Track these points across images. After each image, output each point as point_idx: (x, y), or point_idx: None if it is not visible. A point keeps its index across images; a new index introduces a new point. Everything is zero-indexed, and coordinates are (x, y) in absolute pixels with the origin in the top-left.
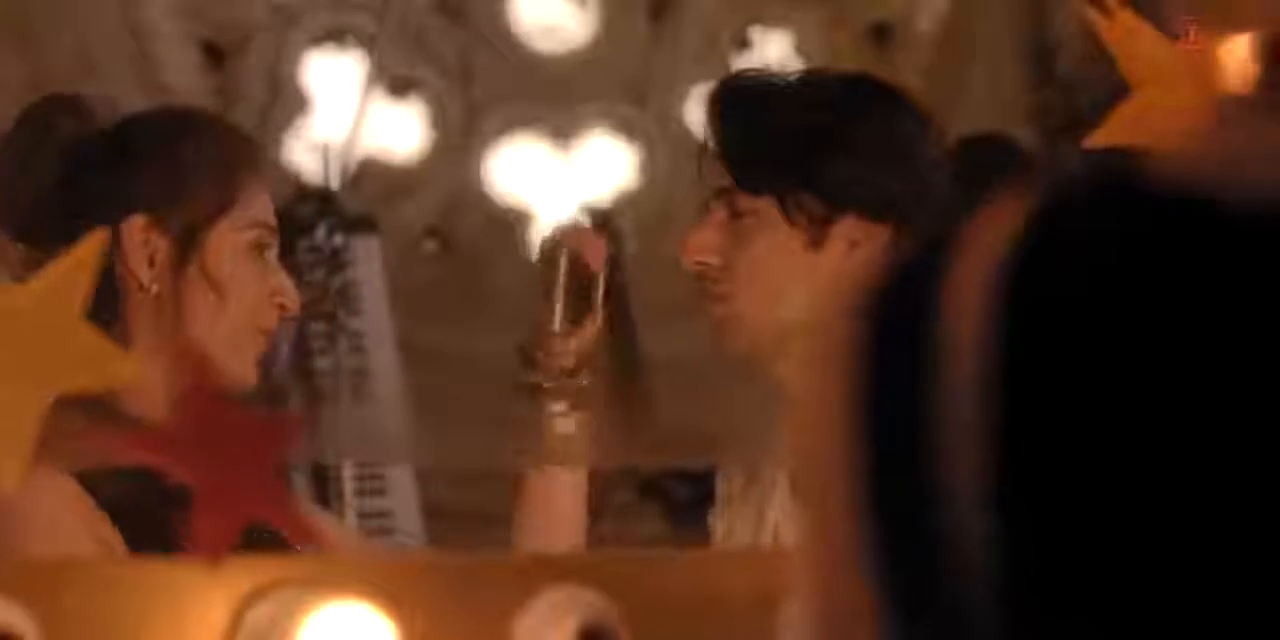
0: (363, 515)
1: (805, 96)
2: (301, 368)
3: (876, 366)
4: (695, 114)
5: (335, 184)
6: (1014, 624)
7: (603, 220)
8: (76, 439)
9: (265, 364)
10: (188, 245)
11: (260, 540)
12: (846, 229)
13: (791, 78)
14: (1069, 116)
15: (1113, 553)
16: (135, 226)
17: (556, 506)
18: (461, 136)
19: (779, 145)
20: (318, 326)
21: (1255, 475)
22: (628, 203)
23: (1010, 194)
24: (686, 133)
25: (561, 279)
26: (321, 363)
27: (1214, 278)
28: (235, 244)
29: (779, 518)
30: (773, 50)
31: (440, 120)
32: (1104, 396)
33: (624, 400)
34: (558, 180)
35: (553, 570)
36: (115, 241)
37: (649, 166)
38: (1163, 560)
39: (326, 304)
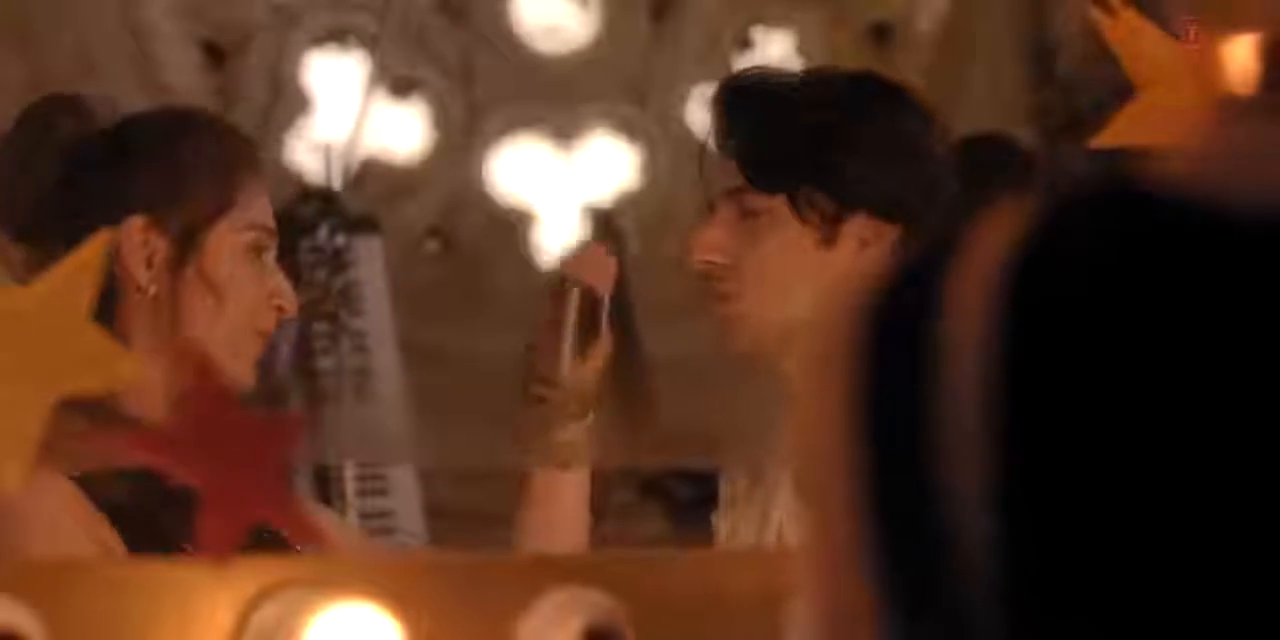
0: (364, 515)
1: (813, 95)
2: (304, 368)
3: (878, 366)
4: (697, 114)
5: (337, 184)
6: (1015, 624)
7: (605, 222)
8: (77, 440)
9: (264, 365)
10: (186, 246)
11: (265, 541)
12: (857, 227)
13: (796, 77)
14: (1069, 116)
15: (1113, 553)
16: (134, 227)
17: (560, 507)
18: (463, 136)
19: (791, 144)
20: (320, 326)
21: (1255, 476)
22: (629, 203)
23: (1013, 196)
24: (688, 133)
25: (572, 317)
26: (324, 363)
27: (1215, 280)
28: (234, 245)
29: (783, 518)
30: (774, 50)
31: (442, 120)
32: (1105, 397)
33: (626, 400)
34: (559, 180)
35: (558, 570)
36: (113, 242)
37: (650, 166)
38: (1163, 561)
39: (328, 304)
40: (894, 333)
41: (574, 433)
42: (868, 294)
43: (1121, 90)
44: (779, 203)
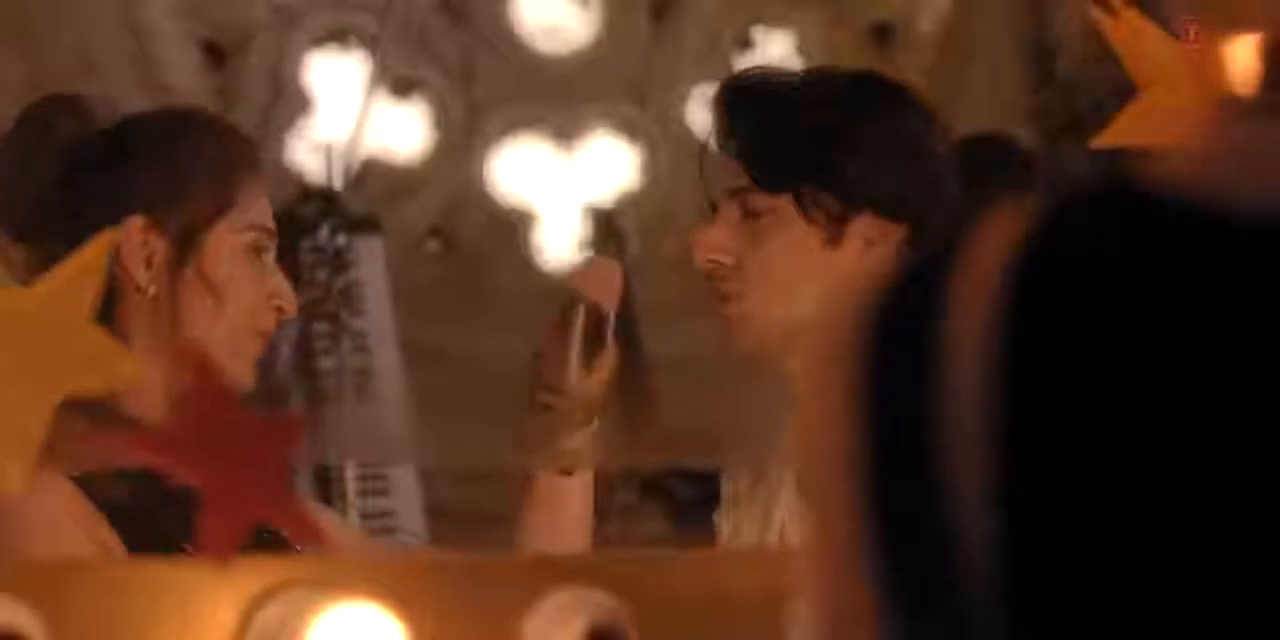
0: (365, 515)
1: (816, 95)
2: (305, 368)
3: (880, 366)
4: (697, 114)
5: (338, 184)
6: (1015, 624)
7: (606, 222)
8: (78, 441)
9: (264, 365)
10: (185, 247)
11: (265, 541)
12: (862, 227)
13: (797, 76)
14: (1069, 116)
15: (1114, 553)
16: (133, 227)
17: (564, 509)
18: (464, 137)
19: (796, 144)
20: (321, 326)
21: (1255, 476)
22: (630, 203)
23: (1014, 196)
24: (688, 133)
25: (579, 333)
26: (325, 363)
27: (1215, 280)
28: (233, 246)
29: (785, 518)
30: (774, 50)
31: (443, 120)
32: (1106, 398)
33: (627, 402)
34: (560, 180)
35: (561, 570)
36: (113, 242)
37: (651, 166)
38: (1163, 561)
39: (329, 304)
40: (896, 333)
41: (579, 440)
42: (870, 294)
43: (1122, 90)
44: (783, 202)
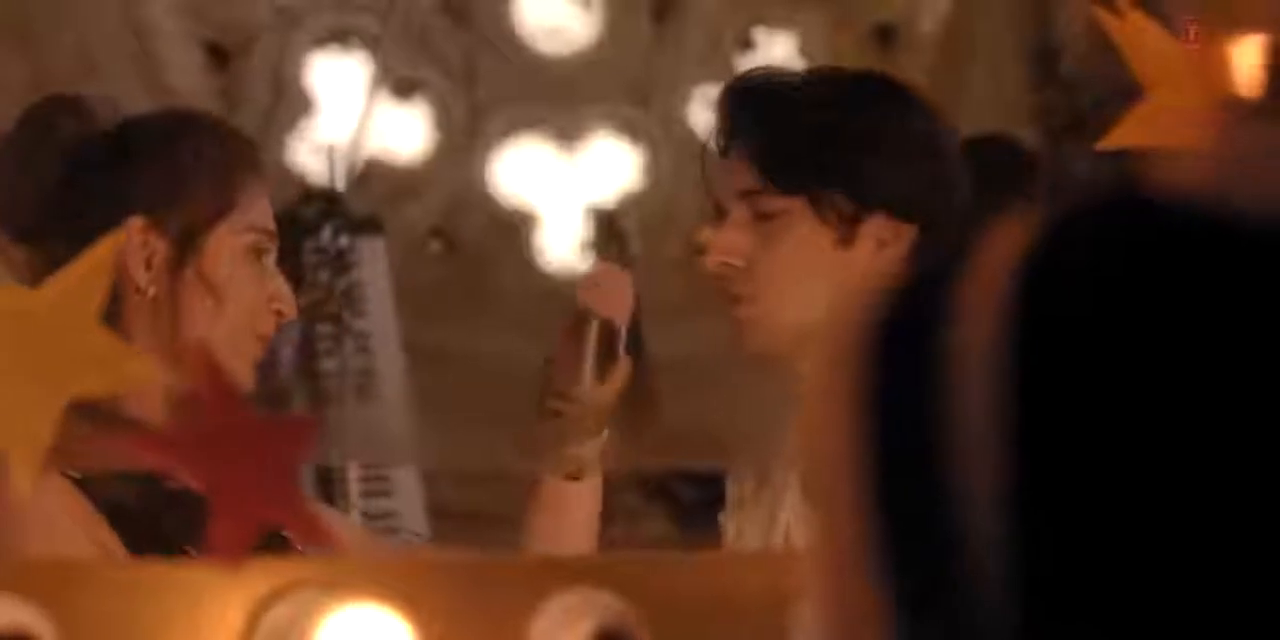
0: (368, 516)
1: (824, 95)
2: (307, 369)
3: (887, 370)
4: (699, 115)
5: (340, 185)
6: (1022, 626)
7: (608, 223)
8: (84, 443)
9: (266, 367)
10: (185, 248)
11: (271, 543)
12: (875, 228)
13: (801, 77)
14: (1071, 117)
15: (1121, 555)
16: (134, 228)
17: (571, 513)
18: (466, 137)
19: (809, 145)
20: (323, 327)
21: (1262, 479)
22: (631, 204)
23: (1015, 195)
24: (690, 134)
25: (592, 348)
26: (327, 364)
27: (1220, 286)
28: (233, 248)
29: (790, 520)
30: (776, 51)
31: (444, 121)
32: (1113, 402)
33: (631, 403)
34: (562, 181)
35: (568, 572)
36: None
37: (652, 167)
38: (1170, 563)
39: (332, 305)
40: (904, 337)
41: (589, 447)
42: (879, 299)
43: (1124, 90)
44: (795, 204)
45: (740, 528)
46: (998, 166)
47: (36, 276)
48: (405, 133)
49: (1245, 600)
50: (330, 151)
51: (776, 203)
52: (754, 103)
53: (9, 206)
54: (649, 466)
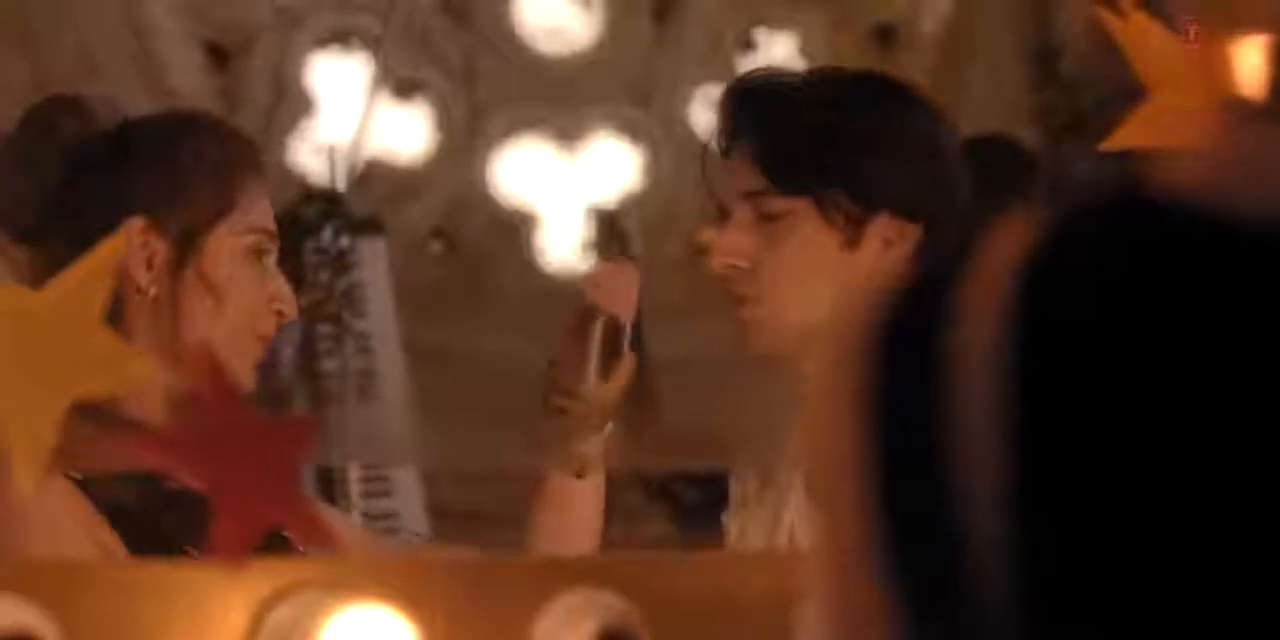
0: (369, 517)
1: (827, 95)
2: (308, 369)
3: (891, 370)
4: (700, 115)
5: (341, 186)
6: (1026, 626)
7: (609, 223)
8: (86, 443)
9: (267, 367)
10: (186, 248)
11: (273, 544)
12: (880, 228)
13: (803, 77)
14: (1072, 117)
15: (1124, 556)
16: (134, 229)
17: (574, 511)
18: (466, 138)
19: (814, 145)
20: (324, 328)
21: (1264, 481)
22: (632, 204)
23: (1016, 195)
24: (691, 134)
25: (597, 345)
26: (328, 364)
27: (1223, 289)
28: (234, 248)
29: (794, 520)
30: (777, 52)
31: (445, 122)
32: (1115, 403)
33: (632, 402)
34: (562, 182)
35: (572, 573)
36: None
37: (653, 168)
38: (1173, 564)
39: (332, 305)
40: (907, 337)
41: (593, 444)
42: (882, 299)
43: (1125, 90)
44: (800, 205)
45: (744, 527)
46: (998, 167)
47: (37, 277)
48: (406, 133)
49: (1248, 600)
50: (331, 152)
51: (781, 204)
52: (756, 103)
53: (10, 207)
54: (651, 467)
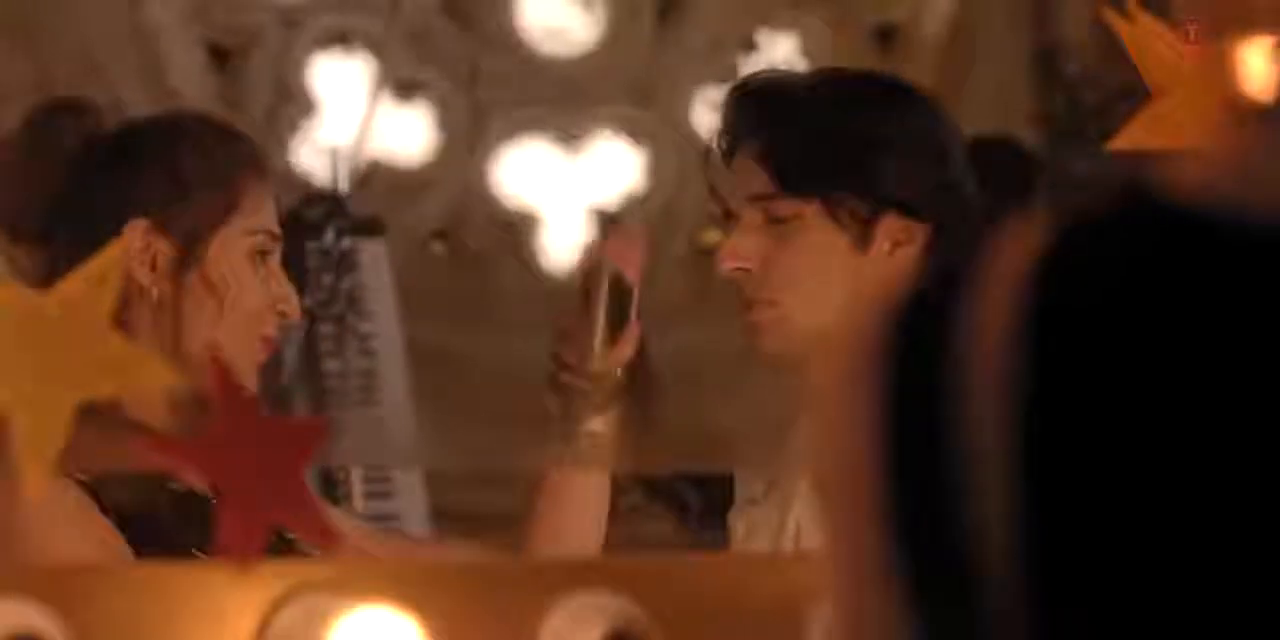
0: (370, 518)
1: (832, 96)
2: (310, 370)
3: (901, 372)
4: (702, 116)
5: (343, 187)
6: (1037, 626)
7: (611, 224)
8: (93, 446)
9: (269, 368)
10: (189, 250)
11: (283, 545)
12: (889, 228)
13: (806, 79)
14: (1073, 119)
15: (1138, 556)
16: (137, 230)
17: (577, 506)
18: (468, 139)
19: (820, 147)
20: (326, 329)
21: (1275, 473)
22: (634, 205)
23: (1020, 199)
24: (693, 135)
25: (604, 300)
26: (330, 365)
27: (1233, 291)
28: (237, 250)
29: (801, 521)
30: (778, 53)
31: (447, 123)
32: (1126, 405)
33: (633, 401)
34: (565, 183)
35: (579, 575)
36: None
37: (655, 168)
38: (1189, 564)
39: (334, 306)
40: (918, 340)
41: (599, 424)
42: (893, 302)
43: (1127, 92)
44: (808, 207)
45: (750, 528)
46: (1000, 167)
47: (42, 278)
48: (408, 134)
49: (1257, 590)
50: (333, 153)
51: (789, 206)
52: (760, 106)
53: (13, 208)
54: (653, 468)
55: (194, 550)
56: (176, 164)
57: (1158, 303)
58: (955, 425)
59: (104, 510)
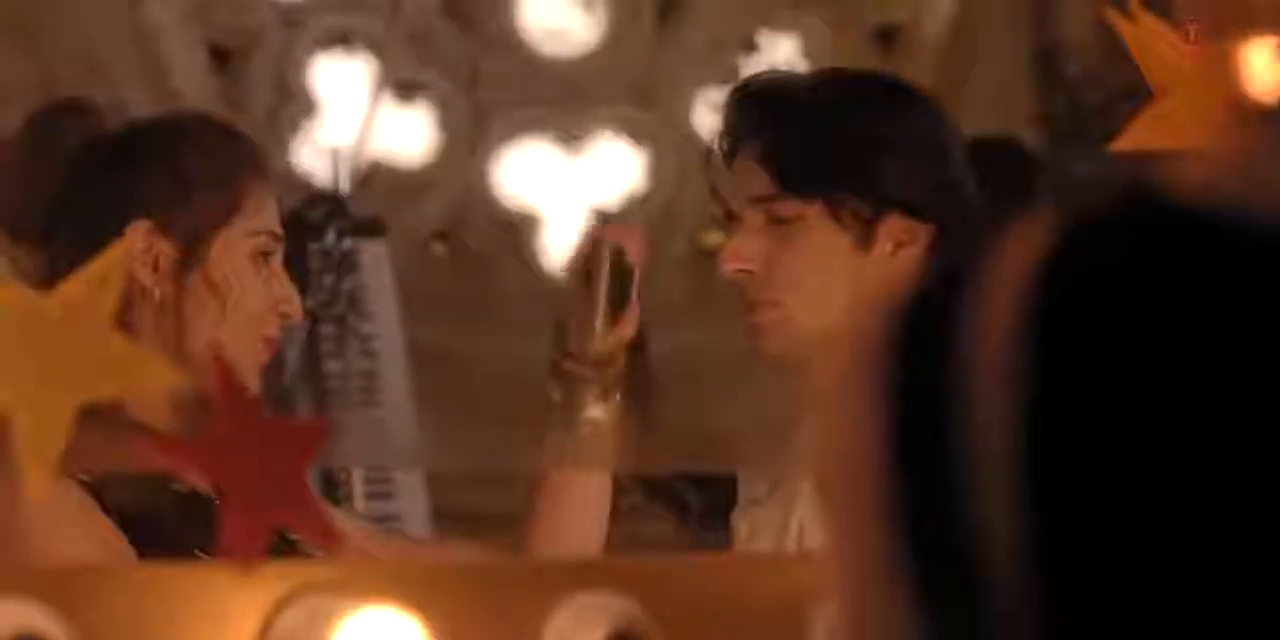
0: (372, 519)
1: (833, 97)
2: (311, 371)
3: (906, 372)
4: (702, 117)
5: (344, 188)
6: (1043, 625)
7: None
8: (96, 446)
9: (270, 370)
10: (191, 251)
11: (285, 546)
12: (891, 229)
13: (808, 79)
14: (1075, 119)
15: (1144, 554)
16: (139, 231)
17: (576, 505)
18: (469, 140)
19: (823, 148)
20: (327, 330)
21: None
22: (635, 205)
23: (1021, 199)
24: (694, 135)
25: (605, 277)
26: (331, 366)
27: (1237, 291)
28: (239, 251)
29: (804, 521)
30: (779, 53)
31: (448, 123)
32: (1129, 404)
33: (633, 400)
34: (565, 183)
35: (582, 575)
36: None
37: (656, 169)
38: (1196, 563)
39: (336, 307)
40: (922, 340)
41: (601, 412)
42: (896, 303)
43: (1128, 93)
44: (810, 208)
45: (753, 527)
46: (1001, 168)
47: (43, 279)
48: (409, 135)
49: (1262, 589)
50: (334, 154)
51: (792, 207)
52: (761, 107)
53: (14, 209)
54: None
55: (196, 551)
56: (178, 165)
57: (1161, 303)
58: (959, 426)
59: (106, 511)
